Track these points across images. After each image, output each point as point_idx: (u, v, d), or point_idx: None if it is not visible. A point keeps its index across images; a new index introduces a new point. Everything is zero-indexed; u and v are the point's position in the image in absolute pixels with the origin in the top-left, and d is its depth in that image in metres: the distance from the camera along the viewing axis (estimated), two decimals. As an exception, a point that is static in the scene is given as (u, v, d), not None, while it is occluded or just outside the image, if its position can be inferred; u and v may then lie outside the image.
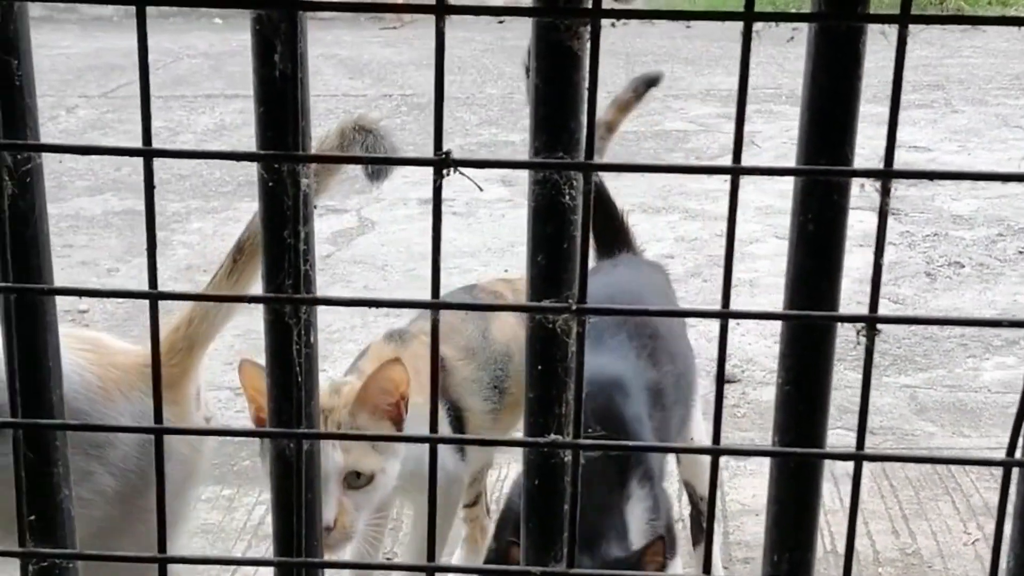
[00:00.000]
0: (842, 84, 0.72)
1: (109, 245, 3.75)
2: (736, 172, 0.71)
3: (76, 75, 6.65)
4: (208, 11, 9.97)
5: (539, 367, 0.76)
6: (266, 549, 1.88)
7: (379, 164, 1.53)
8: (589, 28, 0.70)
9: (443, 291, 0.79)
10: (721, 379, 0.73)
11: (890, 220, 5.06)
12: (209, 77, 6.62)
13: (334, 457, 1.45)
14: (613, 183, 4.39)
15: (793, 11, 0.71)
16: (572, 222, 0.74)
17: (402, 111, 5.77)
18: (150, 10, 0.68)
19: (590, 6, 0.69)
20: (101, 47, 7.57)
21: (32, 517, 0.79)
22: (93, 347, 1.37)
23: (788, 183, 0.76)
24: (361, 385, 1.52)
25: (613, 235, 1.88)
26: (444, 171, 0.71)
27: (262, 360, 0.79)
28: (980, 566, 2.00)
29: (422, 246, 3.72)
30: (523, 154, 3.74)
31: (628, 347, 1.51)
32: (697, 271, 3.51)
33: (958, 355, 2.94)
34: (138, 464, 1.34)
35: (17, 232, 0.75)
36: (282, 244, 0.74)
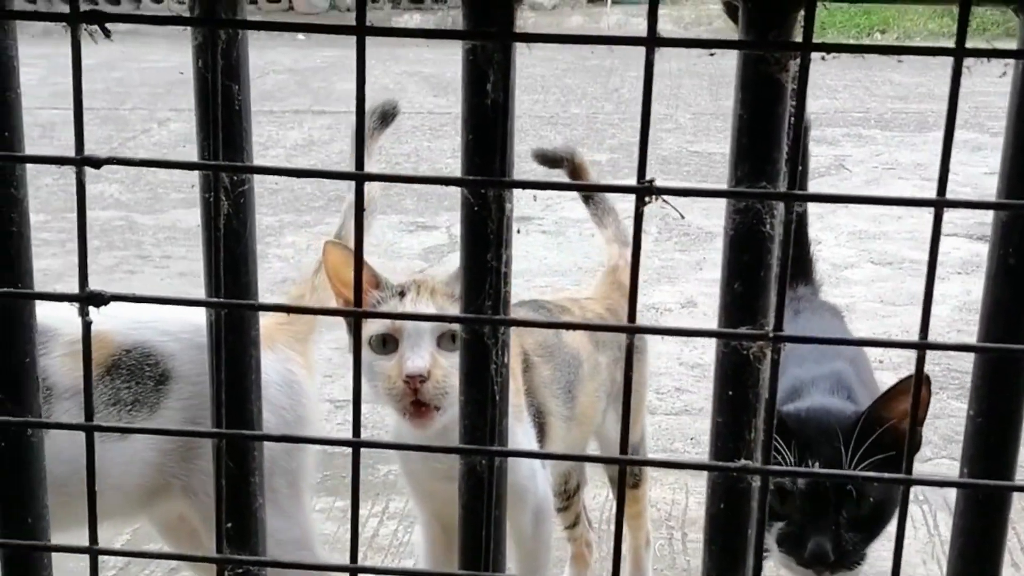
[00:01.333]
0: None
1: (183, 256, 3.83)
2: (939, 205, 0.71)
3: (166, 88, 6.80)
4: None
5: (729, 392, 0.77)
6: (381, 560, 1.91)
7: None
8: (798, 60, 0.71)
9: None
10: (915, 411, 0.74)
11: (987, 247, 5.01)
12: (296, 93, 6.73)
13: (428, 313, 1.40)
14: (703, 204, 4.38)
15: (1002, 48, 0.71)
16: (770, 251, 0.75)
17: (487, 129, 5.81)
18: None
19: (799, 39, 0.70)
20: (189, 61, 7.73)
21: (229, 524, 0.82)
22: None
23: (881, 208, 0.77)
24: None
25: (796, 264, 1.81)
26: (647, 199, 0.73)
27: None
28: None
29: (516, 263, 3.74)
30: (611, 173, 3.81)
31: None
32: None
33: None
34: (288, 402, 1.48)
35: (229, 249, 0.78)
36: (484, 267, 0.76)
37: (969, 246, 3.94)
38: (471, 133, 0.75)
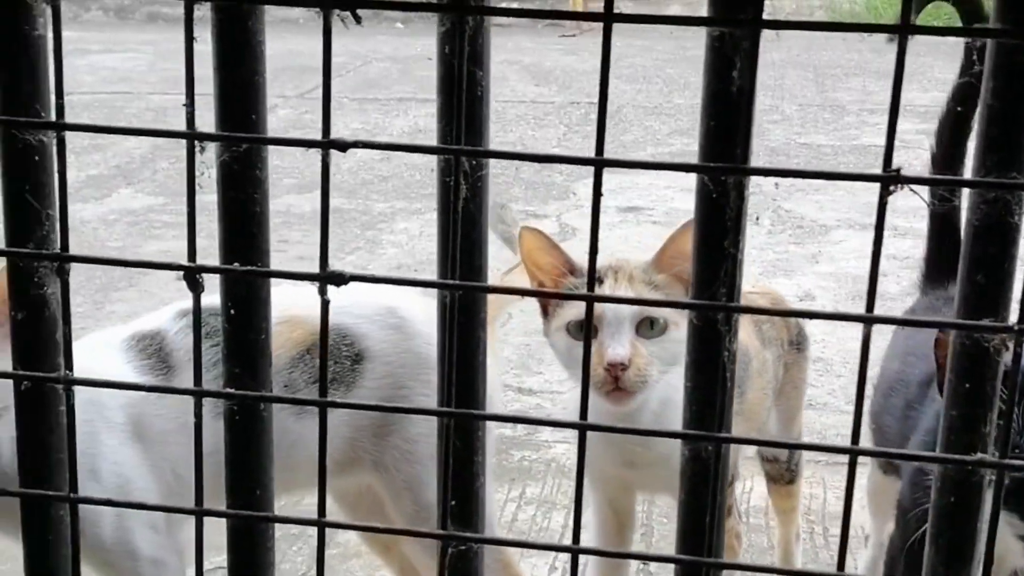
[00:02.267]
0: None
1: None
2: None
3: (272, 76, 6.87)
4: (390, 15, 10.24)
5: (966, 385, 0.77)
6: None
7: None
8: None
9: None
10: None
11: None
12: (399, 81, 6.79)
13: (628, 305, 1.38)
14: (815, 197, 4.33)
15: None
16: (1015, 242, 0.74)
17: (591, 119, 5.80)
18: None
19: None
20: (292, 49, 7.85)
21: (453, 502, 0.84)
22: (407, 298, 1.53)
23: None
24: (661, 246, 1.45)
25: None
26: (891, 187, 0.73)
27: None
28: None
29: (622, 254, 3.74)
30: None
31: None
32: (912, 291, 3.43)
33: None
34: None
35: (465, 233, 0.80)
36: (721, 254, 0.77)
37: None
38: (712, 120, 0.75)
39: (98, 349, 1.33)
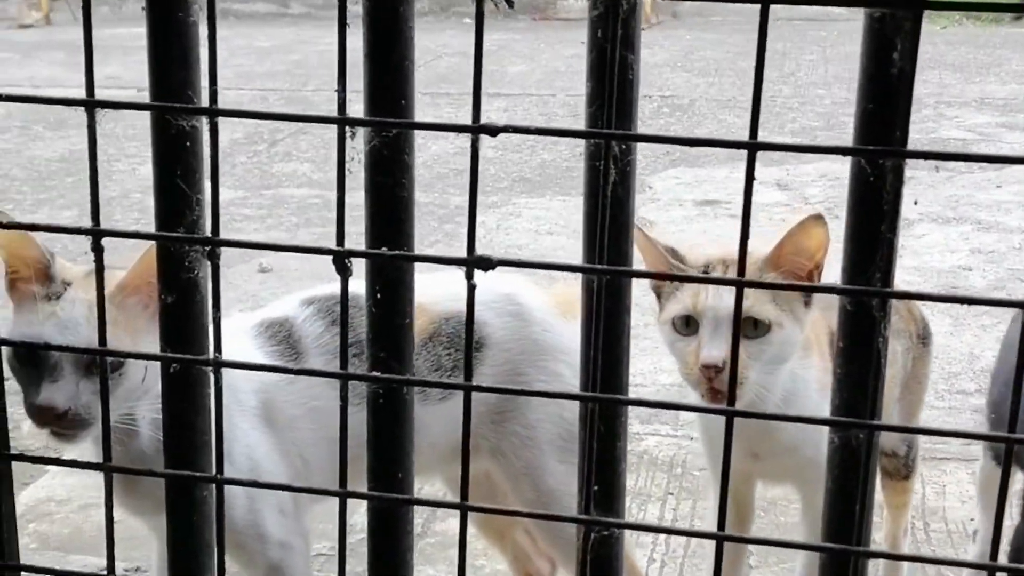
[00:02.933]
0: None
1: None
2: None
3: (309, 71, 6.97)
4: (458, 10, 10.27)
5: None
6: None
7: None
8: None
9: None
10: None
11: None
12: (469, 76, 6.79)
13: (727, 299, 1.35)
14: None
15: None
16: None
17: (664, 112, 5.77)
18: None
19: None
20: (360, 44, 7.92)
21: (596, 487, 0.84)
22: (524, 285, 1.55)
23: None
24: (778, 241, 1.39)
25: None
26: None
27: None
28: None
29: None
30: (791, 160, 3.69)
31: None
32: (999, 284, 3.37)
33: None
34: None
35: (614, 217, 0.79)
36: (876, 238, 0.76)
37: None
38: (871, 102, 0.74)
39: (231, 335, 1.35)
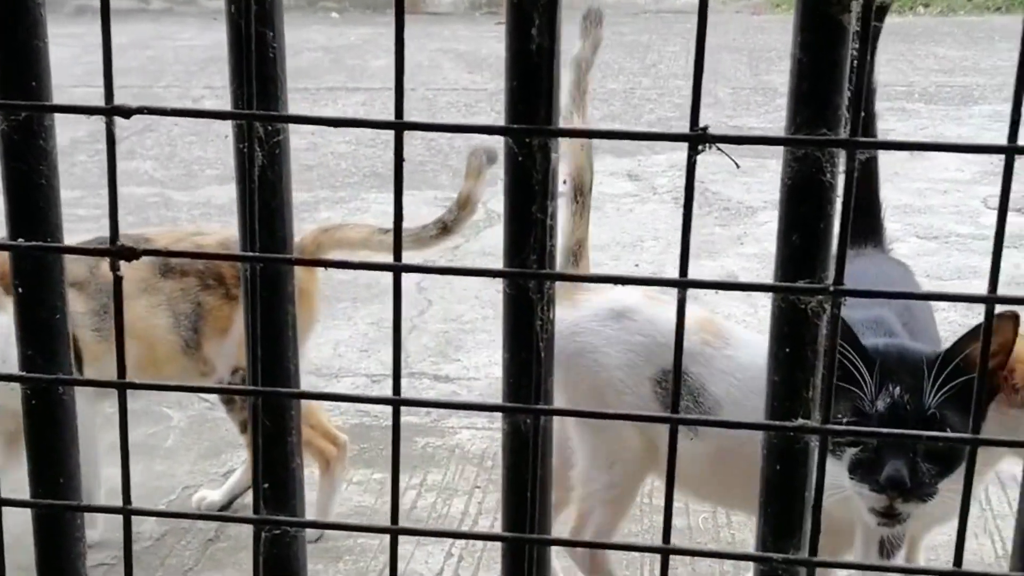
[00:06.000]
0: None
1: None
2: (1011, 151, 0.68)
3: (200, 67, 6.80)
4: (325, 5, 10.14)
5: (786, 349, 0.74)
6: (418, 534, 1.88)
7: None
8: (861, 1, 0.68)
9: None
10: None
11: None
12: (330, 70, 6.70)
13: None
14: (743, 179, 4.32)
15: None
16: (830, 201, 0.72)
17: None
18: None
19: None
20: (222, 39, 7.75)
21: (266, 485, 0.80)
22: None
23: (925, 182, 0.73)
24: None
25: (864, 225, 1.74)
26: (700, 147, 0.70)
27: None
28: None
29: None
30: (648, 148, 3.72)
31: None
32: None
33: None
34: None
35: (264, 202, 0.76)
36: (529, 219, 0.73)
37: (1018, 219, 3.87)
38: (515, 79, 0.72)
39: None
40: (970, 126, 5.16)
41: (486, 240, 3.83)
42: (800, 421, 0.74)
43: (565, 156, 1.78)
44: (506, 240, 0.75)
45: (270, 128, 0.74)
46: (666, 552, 0.73)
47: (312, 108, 5.58)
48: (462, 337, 2.95)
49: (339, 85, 6.18)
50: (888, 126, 5.17)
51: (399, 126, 0.70)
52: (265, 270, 0.76)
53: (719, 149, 0.71)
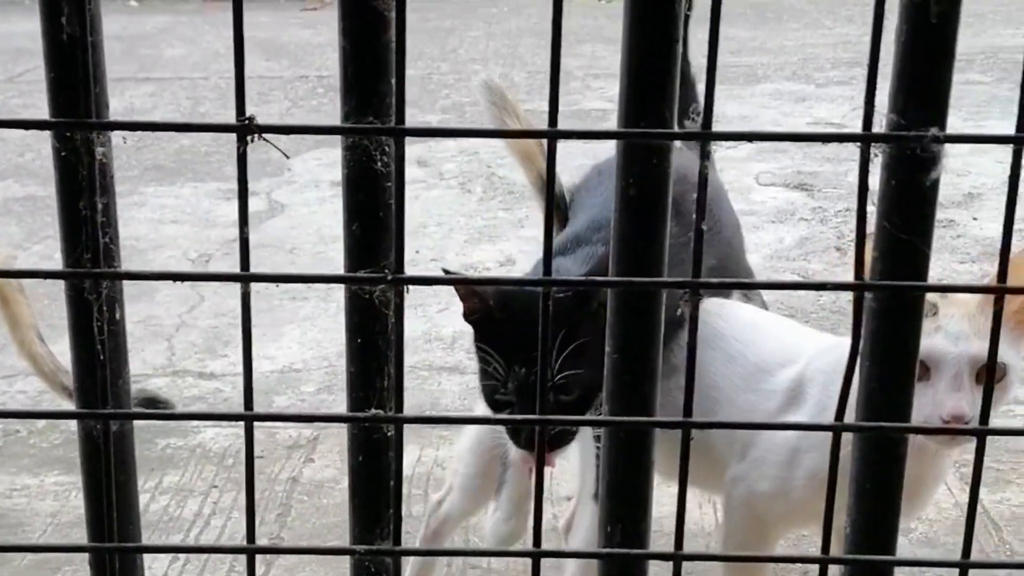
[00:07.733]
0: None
1: (9, 232, 3.65)
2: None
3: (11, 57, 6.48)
4: (124, -7, 9.78)
5: (358, 340, 0.74)
6: (148, 536, 1.82)
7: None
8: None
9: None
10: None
11: (802, 195, 4.99)
12: (120, 60, 6.46)
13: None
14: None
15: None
16: (386, 189, 0.71)
17: (318, 92, 5.69)
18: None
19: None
20: (11, 30, 7.38)
21: None
22: None
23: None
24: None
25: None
26: (248, 138, 0.69)
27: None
28: None
29: (333, 228, 3.67)
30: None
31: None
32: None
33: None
34: None
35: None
36: (78, 216, 0.71)
37: (786, 195, 4.02)
38: (52, 71, 0.70)
39: None
40: (751, 104, 5.34)
41: (267, 232, 3.77)
42: (374, 411, 0.74)
43: None
44: (62, 239, 0.72)
45: (83, 137, 0.69)
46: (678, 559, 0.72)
47: (96, 100, 5.36)
48: (232, 332, 2.89)
49: (128, 75, 5.96)
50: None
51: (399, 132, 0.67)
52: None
53: (266, 140, 0.70)
